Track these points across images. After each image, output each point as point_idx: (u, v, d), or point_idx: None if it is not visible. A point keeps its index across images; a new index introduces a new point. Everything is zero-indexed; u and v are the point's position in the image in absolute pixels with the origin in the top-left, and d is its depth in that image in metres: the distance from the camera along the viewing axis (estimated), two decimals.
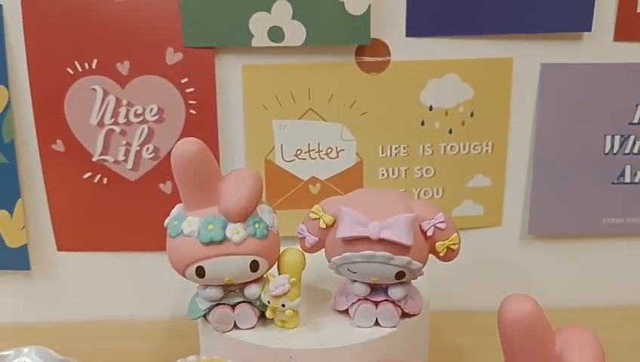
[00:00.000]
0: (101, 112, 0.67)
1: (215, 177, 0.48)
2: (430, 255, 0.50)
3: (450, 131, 0.70)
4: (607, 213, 0.73)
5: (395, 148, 0.70)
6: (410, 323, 0.51)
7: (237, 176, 0.49)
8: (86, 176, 0.69)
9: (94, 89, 0.66)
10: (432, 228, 0.47)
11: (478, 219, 0.74)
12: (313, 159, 0.70)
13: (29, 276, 0.73)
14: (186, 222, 0.47)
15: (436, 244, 0.48)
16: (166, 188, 0.69)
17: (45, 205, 0.70)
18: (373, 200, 0.48)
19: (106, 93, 0.66)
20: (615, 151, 0.71)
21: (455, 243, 0.48)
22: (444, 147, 0.70)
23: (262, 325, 0.51)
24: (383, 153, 0.70)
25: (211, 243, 0.46)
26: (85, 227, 0.71)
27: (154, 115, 0.67)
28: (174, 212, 0.49)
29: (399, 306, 0.50)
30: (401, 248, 0.46)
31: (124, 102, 0.67)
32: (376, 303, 0.50)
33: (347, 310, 0.51)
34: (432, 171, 0.71)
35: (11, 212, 0.69)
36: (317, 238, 0.49)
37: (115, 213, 0.70)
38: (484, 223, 0.74)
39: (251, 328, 0.51)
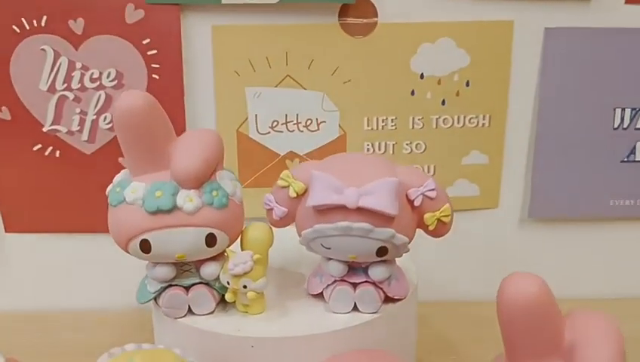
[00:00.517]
0: (52, 76, 0.60)
1: (167, 138, 0.41)
2: (418, 229, 0.43)
3: (444, 102, 0.63)
4: (616, 195, 0.67)
5: (382, 121, 0.63)
6: (394, 310, 0.44)
7: (192, 137, 0.42)
8: (36, 148, 0.62)
9: (44, 49, 0.59)
10: (420, 196, 0.40)
11: (473, 201, 0.67)
12: (291, 131, 0.63)
13: None
14: (130, 188, 0.40)
15: (425, 216, 0.41)
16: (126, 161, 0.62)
17: None
18: (351, 164, 0.41)
19: (57, 55, 0.59)
20: (625, 126, 0.64)
21: (447, 215, 0.41)
22: (437, 120, 0.63)
23: (222, 311, 0.44)
24: (368, 125, 0.63)
25: (158, 211, 0.39)
26: (36, 206, 0.64)
27: (112, 80, 0.60)
28: (118, 177, 0.42)
29: (381, 289, 0.43)
30: (382, 219, 0.39)
31: (78, 65, 0.59)
32: (355, 285, 0.43)
33: (322, 293, 0.44)
34: (423, 146, 0.64)
35: None
36: (286, 209, 0.42)
37: (69, 190, 0.63)
38: (479, 205, 0.67)
39: (209, 314, 0.44)
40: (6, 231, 0.65)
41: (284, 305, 0.45)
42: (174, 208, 0.39)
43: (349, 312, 0.44)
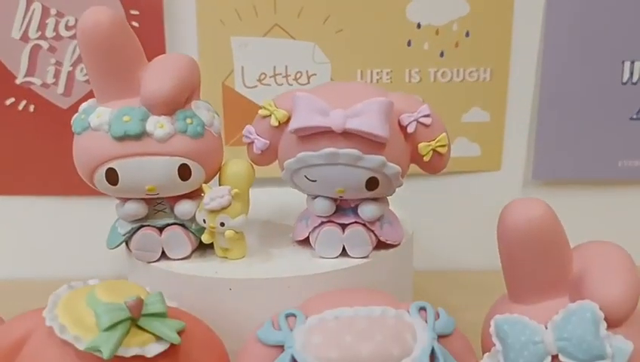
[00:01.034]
0: (25, 23, 0.56)
1: (137, 62, 0.38)
2: (412, 165, 0.39)
3: (442, 54, 0.60)
4: (625, 155, 0.63)
5: (377, 73, 0.59)
6: (387, 257, 0.41)
7: (165, 60, 0.39)
8: (8, 102, 0.58)
9: None
10: (414, 123, 0.37)
11: (473, 162, 0.63)
12: (280, 85, 0.59)
13: None
14: (95, 113, 0.37)
15: (419, 146, 0.37)
16: None
17: None
18: (338, 88, 0.38)
19: (30, 0, 0.55)
20: (635, 81, 0.61)
21: (443, 145, 0.38)
22: (435, 73, 0.60)
23: (199, 257, 0.41)
24: (362, 78, 0.59)
25: (126, 137, 0.36)
26: (8, 166, 0.60)
27: None
28: (83, 106, 0.39)
29: (372, 231, 0.39)
30: (372, 145, 0.35)
31: (53, 11, 0.56)
32: (344, 226, 0.39)
33: (308, 239, 0.41)
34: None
35: None
36: (267, 141, 0.39)
37: (44, 148, 0.59)
38: (481, 166, 0.63)
39: (185, 259, 0.40)
40: None
41: (266, 252, 0.41)
42: (143, 134, 0.36)
43: (337, 257, 0.40)
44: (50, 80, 0.58)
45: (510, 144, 0.63)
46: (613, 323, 0.30)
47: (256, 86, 0.59)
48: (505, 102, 0.61)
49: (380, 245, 0.41)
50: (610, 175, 0.63)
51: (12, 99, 0.58)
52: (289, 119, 0.37)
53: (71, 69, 0.57)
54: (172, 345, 0.30)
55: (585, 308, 0.30)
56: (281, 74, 0.59)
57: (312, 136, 0.36)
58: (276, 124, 0.38)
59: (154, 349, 0.29)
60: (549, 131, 0.62)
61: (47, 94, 0.58)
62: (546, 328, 0.31)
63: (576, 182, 0.64)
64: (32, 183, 0.61)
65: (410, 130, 0.37)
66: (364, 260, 0.40)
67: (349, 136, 0.35)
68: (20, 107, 0.58)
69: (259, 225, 0.46)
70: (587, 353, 0.30)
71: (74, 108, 0.57)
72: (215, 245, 0.40)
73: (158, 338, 0.30)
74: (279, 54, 0.59)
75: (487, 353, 0.32)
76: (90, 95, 0.56)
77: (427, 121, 0.37)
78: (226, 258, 0.40)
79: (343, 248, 0.40)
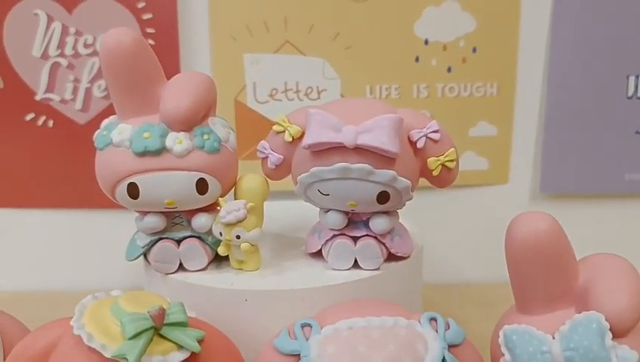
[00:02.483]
0: (45, 42, 0.58)
1: (156, 80, 0.39)
2: (421, 179, 0.40)
3: (449, 70, 0.61)
4: (631, 168, 0.64)
5: (386, 89, 0.61)
6: (398, 269, 0.42)
7: (183, 79, 0.40)
8: (28, 117, 0.60)
9: (37, 14, 0.57)
10: (423, 138, 0.38)
11: (481, 175, 0.64)
12: (291, 100, 0.61)
13: None
14: (117, 130, 0.38)
15: (428, 161, 0.39)
16: None
17: None
18: (349, 105, 0.39)
19: (50, 20, 0.58)
20: None
21: (452, 160, 0.39)
22: (442, 88, 0.61)
23: (215, 269, 0.42)
24: (371, 94, 0.61)
25: (146, 153, 0.37)
26: (28, 179, 0.62)
27: None
28: (105, 122, 0.40)
29: (383, 244, 0.41)
30: (383, 159, 0.36)
31: (72, 30, 0.58)
32: (355, 239, 0.40)
33: (321, 252, 0.42)
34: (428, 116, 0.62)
35: None
36: (281, 156, 0.40)
37: (62, 162, 0.61)
38: (488, 180, 0.64)
39: (201, 270, 0.41)
40: None
41: (280, 264, 0.42)
42: (163, 150, 0.37)
43: (349, 269, 0.41)
44: (68, 96, 0.59)
45: (517, 157, 0.64)
46: (618, 334, 0.31)
47: (267, 101, 0.61)
48: (512, 116, 0.63)
49: (391, 257, 0.42)
50: (616, 188, 0.64)
51: (32, 115, 0.60)
52: (302, 135, 0.39)
53: (88, 85, 0.59)
54: (192, 354, 0.31)
55: (591, 318, 0.31)
56: (292, 89, 0.61)
57: (325, 151, 0.37)
58: (290, 139, 0.39)
59: (176, 358, 0.30)
60: (556, 145, 0.63)
61: (66, 110, 0.60)
62: (554, 338, 0.32)
63: (583, 195, 0.65)
64: (51, 196, 0.62)
65: (419, 145, 0.38)
66: (376, 272, 0.41)
67: (360, 151, 0.36)
68: (40, 122, 0.60)
69: (272, 237, 0.47)
70: None
71: (91, 124, 0.60)
72: (230, 257, 0.41)
73: (180, 347, 0.31)
74: (290, 70, 0.60)
75: None
76: (106, 111, 0.59)
77: (436, 136, 0.38)
78: (241, 270, 0.41)
79: (355, 260, 0.41)
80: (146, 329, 0.30)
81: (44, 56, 0.58)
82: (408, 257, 0.42)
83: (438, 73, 0.61)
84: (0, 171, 0.61)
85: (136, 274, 0.48)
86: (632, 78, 0.61)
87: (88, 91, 0.59)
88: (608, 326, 0.31)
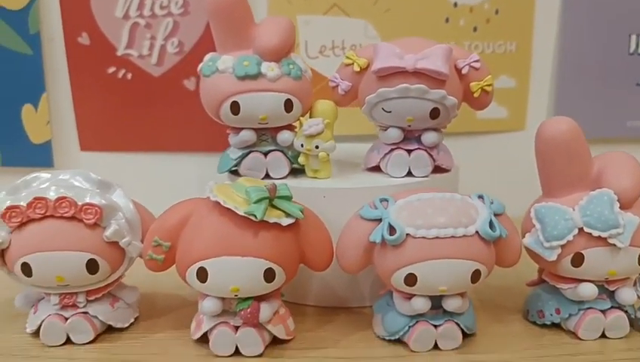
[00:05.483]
0: (127, 4, 0.67)
1: (249, 23, 0.48)
2: (464, 103, 0.49)
3: (475, 29, 0.70)
4: (632, 116, 0.73)
5: None
6: (442, 179, 0.51)
7: (271, 20, 0.49)
8: (110, 70, 0.69)
9: None
10: (467, 67, 0.47)
11: (501, 123, 0.73)
12: (337, 56, 0.70)
13: None
14: (221, 60, 0.47)
15: (471, 85, 0.48)
16: (190, 84, 0.69)
17: (69, 101, 0.70)
18: (409, 40, 0.48)
19: None
20: None
21: (489, 85, 0.48)
22: (469, 45, 0.70)
23: (293, 178, 0.51)
24: None
25: (246, 77, 0.46)
26: (108, 126, 0.71)
27: (179, 8, 0.67)
28: (207, 56, 0.49)
29: (432, 156, 0.50)
30: (436, 81, 0.46)
31: None
32: (409, 151, 0.50)
33: (379, 167, 0.51)
34: None
35: (36, 106, 0.69)
36: (350, 84, 0.49)
37: (138, 110, 0.70)
38: (507, 127, 0.74)
39: (283, 178, 0.50)
40: (81, 150, 0.72)
41: (346, 176, 0.51)
42: (259, 75, 0.46)
43: (403, 177, 0.50)
44: (145, 52, 0.68)
45: (533, 107, 0.73)
46: (624, 205, 0.41)
47: (317, 57, 0.70)
48: (529, 71, 0.72)
49: (436, 170, 0.51)
50: (619, 134, 0.73)
51: (113, 68, 0.69)
52: (368, 65, 0.48)
53: (163, 42, 0.68)
54: (297, 220, 0.40)
55: (603, 193, 0.41)
56: (338, 47, 0.70)
57: (389, 75, 0.46)
58: (358, 69, 0.48)
59: (286, 221, 0.40)
60: (567, 96, 0.72)
61: (143, 64, 0.69)
62: (574, 210, 0.41)
63: (590, 140, 0.73)
64: (126, 140, 0.71)
65: (464, 71, 0.47)
66: (425, 179, 0.50)
67: (418, 74, 0.45)
68: (120, 75, 0.69)
69: (333, 163, 0.56)
70: (605, 224, 0.40)
71: (164, 76, 0.69)
72: (307, 168, 0.50)
73: (288, 215, 0.40)
74: (337, 30, 0.69)
75: (528, 233, 0.43)
76: (178, 65, 0.68)
77: (477, 65, 0.47)
78: (315, 178, 0.50)
79: (408, 171, 0.50)
80: (264, 198, 0.39)
81: (126, 16, 0.67)
82: (450, 170, 0.51)
83: (465, 32, 0.70)
84: (84, 118, 0.70)
85: None
86: (633, 37, 0.71)
87: (163, 48, 0.68)
88: (616, 198, 0.40)
